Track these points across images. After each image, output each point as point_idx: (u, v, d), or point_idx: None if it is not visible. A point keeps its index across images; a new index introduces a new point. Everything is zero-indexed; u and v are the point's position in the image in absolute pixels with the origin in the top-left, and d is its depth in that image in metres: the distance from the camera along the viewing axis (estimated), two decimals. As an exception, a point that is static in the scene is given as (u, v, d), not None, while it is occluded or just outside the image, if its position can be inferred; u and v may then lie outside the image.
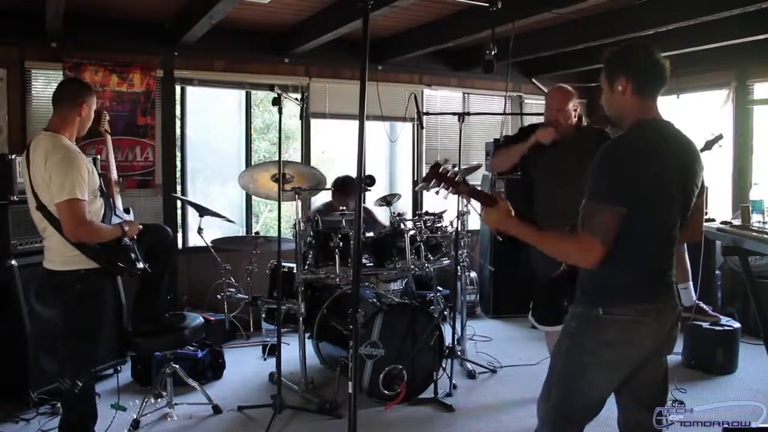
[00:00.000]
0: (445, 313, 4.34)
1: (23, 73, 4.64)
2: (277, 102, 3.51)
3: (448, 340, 4.14)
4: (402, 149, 6.40)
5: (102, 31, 4.82)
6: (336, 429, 3.46)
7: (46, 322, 3.60)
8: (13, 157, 3.64)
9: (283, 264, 3.83)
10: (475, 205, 2.19)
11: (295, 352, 4.13)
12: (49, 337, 3.57)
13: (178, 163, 5.43)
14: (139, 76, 4.99)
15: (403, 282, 4.92)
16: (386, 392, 3.68)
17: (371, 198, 5.01)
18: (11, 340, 3.56)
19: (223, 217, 4.66)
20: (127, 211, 3.18)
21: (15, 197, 3.61)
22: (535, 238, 2.00)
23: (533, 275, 3.23)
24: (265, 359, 4.68)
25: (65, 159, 2.65)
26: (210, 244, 4.61)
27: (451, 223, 4.36)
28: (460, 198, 4.01)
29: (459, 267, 4.35)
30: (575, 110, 3.36)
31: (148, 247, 3.09)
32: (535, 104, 6.55)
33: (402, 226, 4.10)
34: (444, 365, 3.91)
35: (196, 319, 3.67)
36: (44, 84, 4.76)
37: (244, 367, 4.50)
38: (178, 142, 5.37)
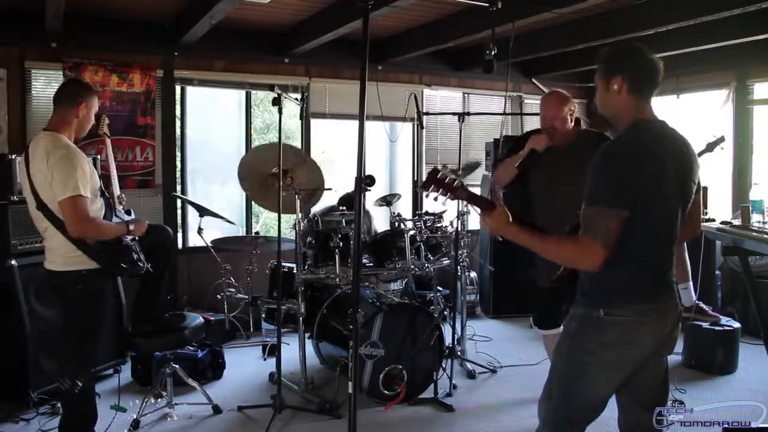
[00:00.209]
0: (445, 313, 4.34)
1: (23, 73, 4.64)
2: (277, 102, 3.51)
3: (448, 340, 4.14)
4: (402, 149, 6.40)
5: (102, 31, 4.82)
6: (336, 429, 3.46)
7: (46, 322, 3.60)
8: (13, 157, 3.64)
9: (283, 264, 3.83)
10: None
11: (295, 352, 4.13)
12: (49, 337, 3.57)
13: (178, 163, 5.43)
14: (139, 76, 4.99)
15: (403, 282, 4.93)
16: (386, 392, 3.68)
17: (371, 198, 5.00)
18: (11, 340, 3.56)
19: (223, 218, 4.66)
20: (128, 212, 3.17)
21: (15, 197, 3.61)
22: (535, 245, 2.00)
23: (534, 277, 3.22)
24: (265, 359, 4.68)
25: (67, 157, 2.65)
26: (210, 244, 4.61)
27: (451, 223, 4.36)
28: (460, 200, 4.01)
29: (459, 267, 4.35)
30: (572, 114, 3.31)
31: (148, 247, 3.09)
32: (535, 104, 6.52)
33: (402, 226, 4.10)
34: (444, 365, 3.91)
35: (196, 319, 3.67)
36: (44, 84, 4.76)
37: (244, 367, 4.50)
38: (178, 142, 5.37)
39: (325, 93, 5.84)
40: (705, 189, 4.59)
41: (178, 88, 5.29)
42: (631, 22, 4.42)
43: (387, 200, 4.63)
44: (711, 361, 4.26)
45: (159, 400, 3.62)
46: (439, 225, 4.29)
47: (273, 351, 4.46)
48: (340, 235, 3.92)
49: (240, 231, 5.66)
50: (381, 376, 3.66)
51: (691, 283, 4.16)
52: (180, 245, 5.42)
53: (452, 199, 2.13)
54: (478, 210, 2.12)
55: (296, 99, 3.90)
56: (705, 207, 4.30)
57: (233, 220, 4.97)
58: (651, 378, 2.06)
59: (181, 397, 3.73)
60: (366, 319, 3.58)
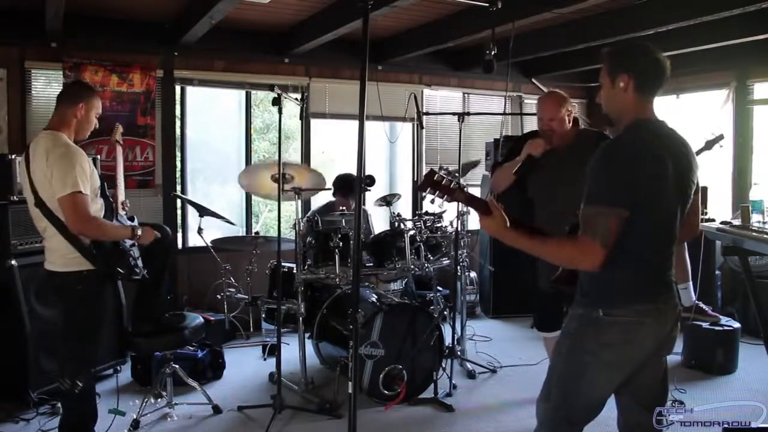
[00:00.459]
0: (445, 313, 4.34)
1: (23, 73, 4.64)
2: (277, 102, 3.51)
3: (448, 340, 4.14)
4: (402, 149, 6.40)
5: (102, 31, 4.82)
6: (336, 429, 3.46)
7: (46, 322, 3.59)
8: (13, 157, 3.64)
9: (283, 264, 3.83)
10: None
11: (295, 352, 4.12)
12: (49, 337, 3.56)
13: (178, 163, 5.43)
14: (139, 76, 4.99)
15: (403, 282, 4.92)
16: (386, 392, 3.68)
17: (371, 198, 5.01)
18: (11, 340, 3.56)
19: (223, 218, 4.66)
20: (131, 219, 3.14)
21: (15, 197, 3.61)
22: (534, 247, 1.99)
23: (536, 279, 3.22)
24: (265, 359, 4.68)
25: (66, 155, 2.66)
26: (210, 244, 4.61)
27: (451, 223, 4.36)
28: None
29: (459, 267, 4.35)
30: (570, 114, 3.27)
31: (147, 247, 3.08)
32: (535, 104, 6.52)
33: (402, 226, 4.10)
34: (444, 365, 3.91)
35: (196, 319, 3.67)
36: (44, 84, 4.76)
37: (244, 367, 4.50)
38: (178, 142, 5.37)
39: (325, 93, 5.84)
40: (705, 189, 4.60)
41: (178, 88, 5.29)
42: (631, 22, 4.42)
43: (387, 200, 4.63)
44: (711, 361, 4.26)
45: (159, 400, 3.62)
46: (438, 225, 4.29)
47: (273, 351, 4.46)
48: (340, 235, 3.92)
49: (240, 231, 5.66)
50: (381, 376, 3.66)
51: (691, 283, 4.16)
52: (180, 245, 5.42)
53: (449, 201, 2.12)
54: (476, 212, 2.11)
55: (296, 99, 3.90)
56: (705, 207, 4.30)
57: (233, 220, 4.97)
58: (651, 378, 2.06)
59: (181, 397, 3.73)
60: (366, 319, 3.57)
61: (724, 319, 4.36)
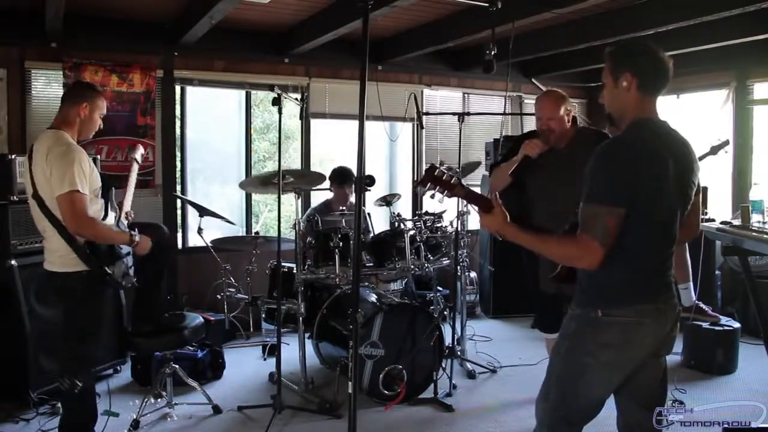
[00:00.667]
0: (445, 313, 4.34)
1: (23, 73, 4.64)
2: (277, 102, 3.51)
3: (448, 340, 4.14)
4: (402, 149, 6.40)
5: (102, 31, 4.82)
6: (336, 429, 3.46)
7: (46, 322, 3.59)
8: (13, 157, 3.64)
9: (283, 264, 3.83)
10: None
11: (295, 352, 4.12)
12: (49, 337, 3.56)
13: (178, 163, 5.43)
14: (139, 76, 4.99)
15: (403, 282, 4.92)
16: (386, 392, 3.68)
17: (371, 198, 5.00)
18: (11, 340, 3.56)
19: (223, 218, 4.66)
20: (132, 228, 3.10)
21: (15, 197, 3.61)
22: (535, 244, 2.00)
23: (537, 280, 3.22)
24: (265, 359, 4.68)
25: (66, 153, 2.65)
26: (210, 244, 4.61)
27: (451, 223, 4.36)
28: (459, 199, 4.00)
29: (459, 267, 4.34)
30: (568, 114, 3.25)
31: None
32: (534, 103, 6.53)
33: (402, 226, 4.10)
34: (444, 365, 3.91)
35: (196, 319, 3.67)
36: (44, 84, 4.76)
37: (244, 367, 4.50)
38: (178, 142, 5.37)
39: (325, 93, 5.84)
40: (705, 189, 4.60)
41: (178, 88, 5.29)
42: (631, 22, 4.43)
43: (387, 200, 4.63)
44: (711, 361, 4.26)
45: (159, 400, 3.62)
46: (439, 225, 4.29)
47: (273, 351, 4.46)
48: (340, 235, 3.92)
49: (240, 231, 5.66)
50: (381, 376, 3.66)
51: (691, 283, 4.16)
52: (180, 245, 5.42)
53: (449, 197, 2.12)
54: (476, 208, 2.11)
55: (296, 99, 3.91)
56: (705, 207, 4.30)
57: (233, 220, 4.97)
58: (650, 378, 2.06)
59: (181, 397, 3.73)
60: (366, 319, 3.57)
61: (724, 319, 4.36)
